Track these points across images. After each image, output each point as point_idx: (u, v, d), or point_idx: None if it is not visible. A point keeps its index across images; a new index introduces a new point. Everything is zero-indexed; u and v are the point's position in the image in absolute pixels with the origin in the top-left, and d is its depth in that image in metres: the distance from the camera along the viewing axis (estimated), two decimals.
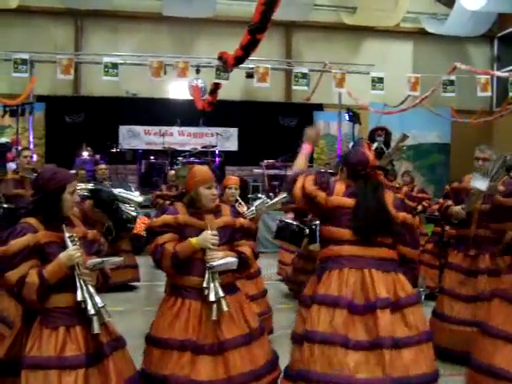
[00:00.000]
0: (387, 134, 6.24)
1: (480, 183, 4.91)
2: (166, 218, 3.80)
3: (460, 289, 5.30)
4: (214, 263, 3.64)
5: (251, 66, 12.88)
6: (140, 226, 11.29)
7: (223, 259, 3.67)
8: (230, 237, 3.88)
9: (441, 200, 6.08)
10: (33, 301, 3.08)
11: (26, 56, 12.21)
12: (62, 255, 3.14)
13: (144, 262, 8.91)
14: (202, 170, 3.92)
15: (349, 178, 3.87)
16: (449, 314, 5.28)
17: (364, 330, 3.54)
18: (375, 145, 5.75)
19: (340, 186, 3.82)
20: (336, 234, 3.74)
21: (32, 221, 3.22)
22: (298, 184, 3.81)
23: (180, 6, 14.55)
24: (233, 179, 5.66)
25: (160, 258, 3.71)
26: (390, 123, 9.45)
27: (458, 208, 5.26)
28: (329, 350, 3.47)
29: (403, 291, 3.68)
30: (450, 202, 5.46)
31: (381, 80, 13.26)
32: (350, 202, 3.75)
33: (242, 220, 4.01)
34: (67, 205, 3.30)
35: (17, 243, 3.10)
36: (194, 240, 3.69)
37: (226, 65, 11.09)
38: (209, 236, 3.69)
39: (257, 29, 7.21)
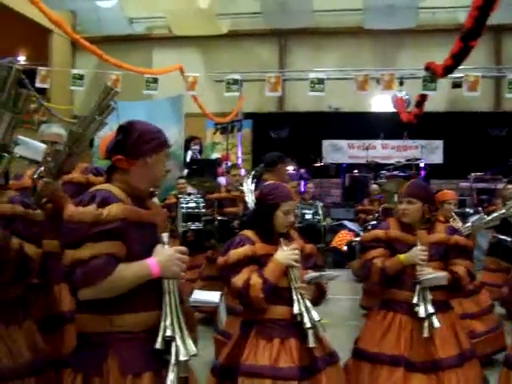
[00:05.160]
0: None
1: None
2: (377, 232, 3.86)
3: None
4: (422, 278, 3.58)
5: (456, 76, 12.34)
6: (340, 240, 11.34)
7: (431, 274, 3.59)
8: (442, 254, 3.75)
9: None
10: (260, 300, 3.14)
11: (237, 76, 12.76)
12: (278, 254, 3.21)
13: (347, 276, 8.89)
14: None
15: None
16: None
17: None
18: None
19: None
20: None
21: (249, 233, 3.32)
22: None
23: (382, 19, 14.43)
24: (451, 194, 5.50)
25: (368, 273, 3.76)
26: None
27: None
28: None
29: None
30: None
31: None
32: None
33: (457, 237, 3.84)
34: (280, 222, 3.32)
35: (236, 253, 3.21)
36: (402, 256, 3.67)
37: (434, 75, 10.75)
38: (418, 252, 3.62)
39: (469, 35, 6.93)
